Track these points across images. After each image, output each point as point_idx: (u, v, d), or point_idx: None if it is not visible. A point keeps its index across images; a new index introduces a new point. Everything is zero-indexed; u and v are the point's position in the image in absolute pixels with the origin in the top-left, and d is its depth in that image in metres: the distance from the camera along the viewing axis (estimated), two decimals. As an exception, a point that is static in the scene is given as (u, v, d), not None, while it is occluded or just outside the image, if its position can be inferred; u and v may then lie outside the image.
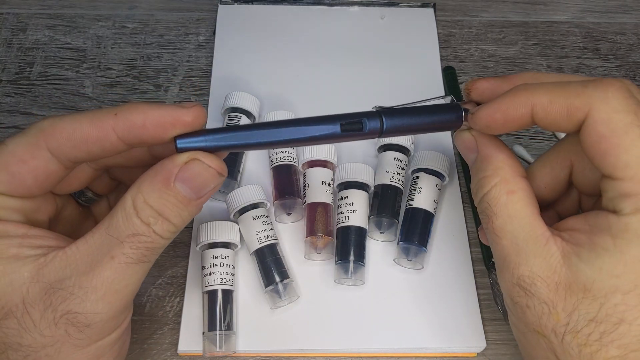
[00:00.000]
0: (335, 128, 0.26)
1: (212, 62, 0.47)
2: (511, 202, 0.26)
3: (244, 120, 0.41)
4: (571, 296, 0.23)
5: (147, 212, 0.24)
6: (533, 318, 0.25)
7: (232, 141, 0.25)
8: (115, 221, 0.24)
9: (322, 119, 0.26)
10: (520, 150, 0.43)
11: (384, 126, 0.26)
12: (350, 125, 0.26)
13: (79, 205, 0.31)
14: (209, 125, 0.43)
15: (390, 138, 0.39)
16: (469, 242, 0.39)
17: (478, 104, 0.27)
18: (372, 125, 0.26)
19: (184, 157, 0.25)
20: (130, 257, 0.24)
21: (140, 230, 0.24)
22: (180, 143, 0.25)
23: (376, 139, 0.40)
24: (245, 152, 0.41)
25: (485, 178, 0.27)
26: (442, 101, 0.29)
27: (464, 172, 0.42)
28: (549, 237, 0.25)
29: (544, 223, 0.25)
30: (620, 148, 0.23)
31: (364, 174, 0.38)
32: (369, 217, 0.38)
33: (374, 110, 0.27)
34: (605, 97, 0.23)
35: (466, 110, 0.27)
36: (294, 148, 0.40)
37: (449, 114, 0.27)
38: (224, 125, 0.41)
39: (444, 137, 0.43)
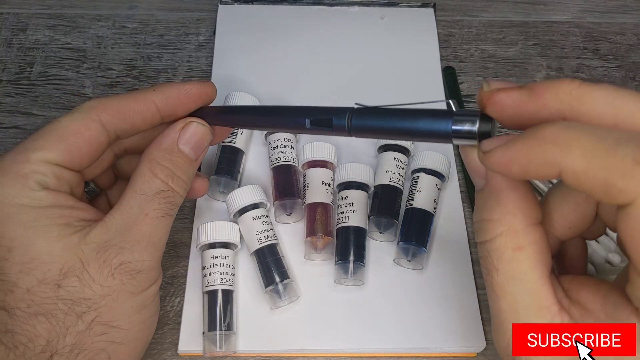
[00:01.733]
0: (305, 122, 0.27)
1: (212, 62, 0.47)
2: (517, 261, 0.22)
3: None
4: None
5: (165, 172, 0.29)
6: None
7: (222, 119, 0.32)
8: (140, 184, 0.28)
9: (294, 110, 0.28)
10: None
11: (351, 126, 0.25)
12: (320, 122, 0.27)
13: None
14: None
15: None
16: (469, 242, 0.39)
17: (484, 115, 0.22)
18: (339, 123, 0.26)
19: (180, 124, 0.30)
20: (160, 211, 0.28)
21: (162, 187, 0.29)
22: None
23: (376, 139, 0.40)
24: (245, 152, 0.41)
25: (490, 222, 0.22)
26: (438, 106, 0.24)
27: (464, 172, 0.42)
28: (555, 313, 0.21)
29: (553, 291, 0.22)
30: None
31: (364, 174, 0.38)
32: (369, 217, 0.38)
33: (352, 107, 0.26)
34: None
35: (473, 119, 0.22)
36: (294, 148, 0.40)
37: (437, 124, 0.23)
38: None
39: (444, 137, 0.43)
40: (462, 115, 0.22)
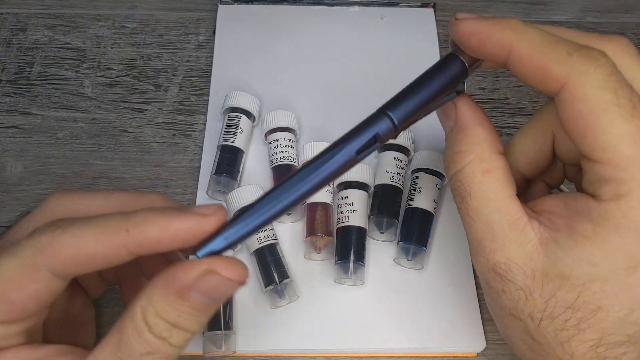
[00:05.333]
0: (350, 154, 0.23)
1: (212, 62, 0.47)
2: (486, 183, 0.24)
3: (244, 120, 0.41)
4: (548, 283, 0.23)
5: (161, 327, 0.22)
6: (509, 303, 0.24)
7: (253, 224, 0.23)
8: (125, 339, 0.22)
9: (333, 150, 0.23)
10: None
11: (396, 122, 0.24)
12: (366, 146, 0.23)
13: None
14: (209, 126, 0.43)
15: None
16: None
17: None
18: (384, 129, 0.23)
19: (200, 268, 0.21)
20: None
21: (154, 347, 0.22)
22: (201, 253, 0.22)
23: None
24: (245, 152, 0.41)
25: (460, 154, 0.25)
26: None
27: (464, 172, 0.42)
28: (525, 222, 0.24)
29: (521, 205, 0.24)
30: (598, 128, 0.21)
31: (364, 174, 0.38)
32: (369, 217, 0.38)
33: (378, 112, 0.24)
34: (587, 72, 0.21)
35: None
36: (294, 148, 0.40)
37: (450, 67, 0.25)
38: (224, 125, 0.41)
39: (444, 137, 0.43)
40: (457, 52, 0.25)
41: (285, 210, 0.23)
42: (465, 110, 0.25)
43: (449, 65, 0.25)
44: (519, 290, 0.24)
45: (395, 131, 0.24)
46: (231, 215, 0.37)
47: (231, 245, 0.23)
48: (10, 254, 0.23)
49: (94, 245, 0.22)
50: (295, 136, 0.41)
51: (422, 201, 0.37)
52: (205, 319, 0.23)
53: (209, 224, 0.22)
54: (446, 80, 0.25)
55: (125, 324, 0.22)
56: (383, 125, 0.24)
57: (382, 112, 0.24)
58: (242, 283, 0.22)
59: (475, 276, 0.37)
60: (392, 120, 0.24)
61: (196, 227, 0.22)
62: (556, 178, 0.29)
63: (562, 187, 0.33)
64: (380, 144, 0.24)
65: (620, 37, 0.24)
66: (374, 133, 0.23)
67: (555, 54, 0.22)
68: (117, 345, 0.22)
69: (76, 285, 0.30)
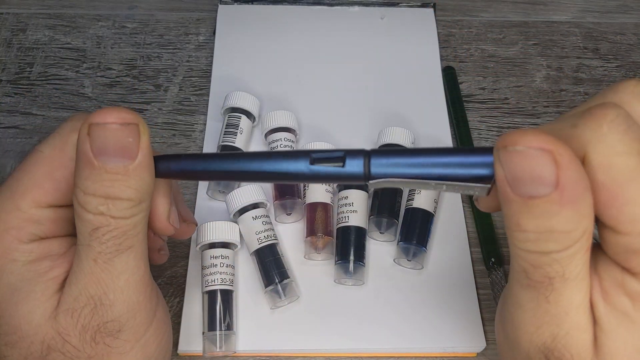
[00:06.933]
0: (302, 164, 0.21)
1: (212, 62, 0.47)
2: (584, 262, 0.20)
3: (244, 120, 0.41)
4: None
5: (94, 202, 0.22)
6: None
7: (199, 167, 0.23)
8: (76, 228, 0.23)
9: (287, 154, 0.22)
10: None
11: (370, 169, 0.21)
12: (325, 159, 0.21)
13: None
14: (209, 126, 0.43)
15: (390, 138, 0.39)
16: (469, 242, 0.39)
17: None
18: (353, 162, 0.21)
19: (83, 129, 0.22)
20: (106, 252, 0.23)
21: (97, 223, 0.22)
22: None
23: (377, 138, 0.40)
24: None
25: (565, 234, 0.19)
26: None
27: (464, 172, 0.41)
28: (589, 311, 0.20)
29: None
30: (624, 200, 0.18)
31: (364, 174, 0.38)
32: (369, 217, 0.38)
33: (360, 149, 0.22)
34: (599, 136, 0.18)
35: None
36: (294, 148, 0.40)
37: (477, 166, 0.20)
38: (224, 126, 0.41)
39: (444, 137, 0.43)
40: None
41: (227, 176, 0.23)
42: (574, 177, 0.18)
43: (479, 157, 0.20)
44: None
45: (365, 178, 0.21)
46: (231, 215, 0.37)
47: (173, 174, 0.23)
48: (50, 137, 0.25)
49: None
50: (295, 136, 0.41)
51: (422, 201, 0.37)
52: (136, 181, 0.22)
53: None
54: (467, 174, 0.20)
55: (74, 215, 0.23)
56: (356, 162, 0.21)
57: (367, 151, 0.22)
58: (125, 123, 0.22)
59: (475, 276, 0.37)
60: (367, 165, 0.21)
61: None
62: None
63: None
64: (342, 165, 0.21)
65: (628, 80, 0.21)
66: (342, 154, 0.21)
67: (562, 135, 0.19)
68: (77, 238, 0.23)
69: None
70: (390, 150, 0.22)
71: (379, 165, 0.21)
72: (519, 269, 0.20)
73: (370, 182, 0.21)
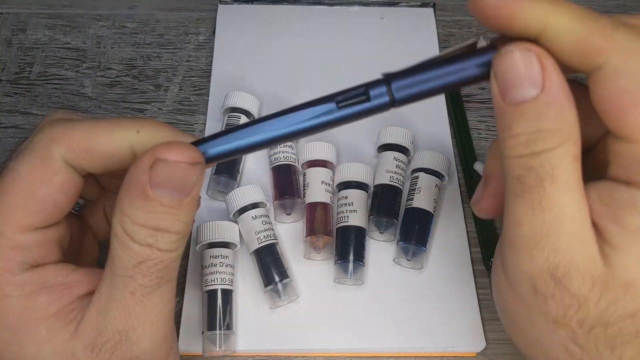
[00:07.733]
0: (330, 106, 0.22)
1: (212, 62, 0.47)
2: (574, 171, 0.21)
3: (244, 120, 0.41)
4: (608, 293, 0.20)
5: (143, 234, 0.21)
6: (556, 309, 0.21)
7: (234, 145, 0.23)
8: (115, 256, 0.22)
9: (312, 102, 0.22)
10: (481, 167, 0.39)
11: (394, 94, 0.22)
12: (350, 100, 0.22)
13: (74, 217, 0.30)
14: (209, 126, 0.43)
15: (390, 138, 0.39)
16: (469, 242, 0.39)
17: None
18: (378, 93, 0.22)
19: (146, 161, 0.21)
20: (148, 286, 0.22)
21: (144, 256, 0.22)
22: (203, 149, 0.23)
23: (376, 138, 0.40)
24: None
25: (550, 132, 0.20)
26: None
27: (464, 172, 0.42)
28: (590, 221, 0.21)
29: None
30: None
31: (364, 174, 0.38)
32: (369, 217, 0.38)
33: (380, 78, 0.22)
34: (634, 48, 0.20)
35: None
36: (294, 148, 0.40)
37: (475, 58, 0.21)
38: (224, 125, 0.41)
39: (444, 137, 0.43)
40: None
41: (257, 147, 0.23)
42: (558, 80, 0.20)
43: (482, 56, 0.21)
44: (572, 298, 0.21)
45: (391, 104, 0.22)
46: (231, 214, 0.37)
47: (212, 159, 0.23)
48: (24, 153, 0.22)
49: (105, 140, 0.22)
50: (295, 136, 0.41)
51: (421, 201, 0.37)
52: (186, 215, 0.22)
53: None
54: (469, 73, 0.22)
55: (112, 243, 0.22)
56: (378, 92, 0.22)
57: (387, 77, 0.22)
58: (194, 163, 0.21)
59: (475, 276, 0.37)
60: (390, 92, 0.22)
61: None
62: None
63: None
64: (368, 101, 0.22)
65: None
66: (363, 89, 0.22)
67: (600, 26, 0.20)
68: (111, 266, 0.22)
69: (85, 224, 0.31)
70: (406, 70, 0.22)
71: (400, 89, 0.22)
72: (513, 178, 0.21)
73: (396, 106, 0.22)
